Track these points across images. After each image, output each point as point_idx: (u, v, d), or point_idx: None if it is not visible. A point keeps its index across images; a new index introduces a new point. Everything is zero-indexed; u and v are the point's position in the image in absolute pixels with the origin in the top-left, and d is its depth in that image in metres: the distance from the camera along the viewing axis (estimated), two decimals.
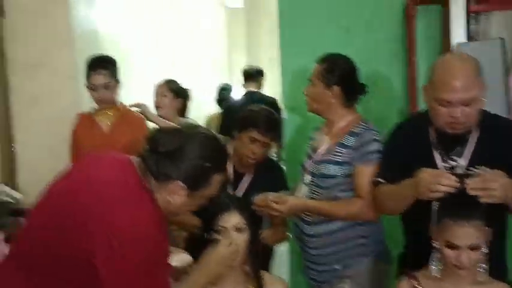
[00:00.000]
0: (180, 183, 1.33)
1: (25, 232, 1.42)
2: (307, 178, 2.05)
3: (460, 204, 1.55)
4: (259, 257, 1.75)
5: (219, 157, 1.42)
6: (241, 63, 8.32)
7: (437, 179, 1.55)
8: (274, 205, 1.94)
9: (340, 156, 1.97)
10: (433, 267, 1.60)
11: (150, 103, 2.94)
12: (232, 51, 8.11)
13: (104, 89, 2.54)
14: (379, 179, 1.85)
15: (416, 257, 1.70)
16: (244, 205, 1.76)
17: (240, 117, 2.18)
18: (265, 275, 1.76)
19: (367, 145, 1.94)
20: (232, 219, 1.66)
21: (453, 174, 1.59)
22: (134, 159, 1.39)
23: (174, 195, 1.34)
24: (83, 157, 1.47)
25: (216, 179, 1.40)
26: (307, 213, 2.01)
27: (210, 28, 7.01)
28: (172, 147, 1.33)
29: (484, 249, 1.54)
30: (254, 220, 1.76)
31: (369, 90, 2.69)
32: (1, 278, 1.37)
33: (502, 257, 1.81)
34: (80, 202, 1.29)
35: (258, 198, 1.98)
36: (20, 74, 2.85)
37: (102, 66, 2.57)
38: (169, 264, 1.42)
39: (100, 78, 2.54)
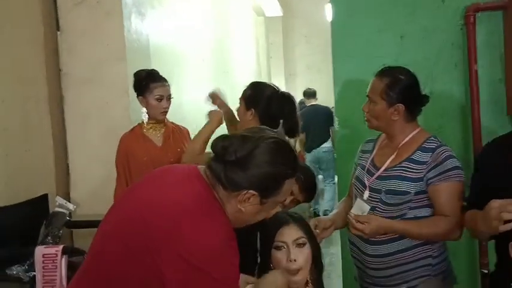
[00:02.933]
0: (252, 192, 1.28)
1: (92, 256, 1.39)
2: (366, 194, 1.95)
3: None
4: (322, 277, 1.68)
5: (290, 161, 1.33)
6: (280, 69, 8.39)
7: (508, 207, 1.43)
8: (359, 225, 1.82)
9: (413, 172, 1.86)
10: None
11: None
12: (271, 59, 8.17)
13: (168, 100, 2.60)
14: (465, 204, 1.79)
15: (505, 277, 1.59)
16: (303, 220, 1.69)
17: None
18: None
19: (445, 162, 1.83)
20: (292, 234, 1.60)
21: None
22: (201, 169, 1.35)
23: (246, 204, 1.29)
24: (148, 173, 1.43)
25: (288, 184, 1.34)
26: None
27: (251, 37, 7.04)
28: (241, 155, 1.27)
29: None
30: (314, 237, 1.70)
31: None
32: None
33: None
34: (150, 225, 1.25)
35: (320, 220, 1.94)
36: (74, 89, 2.90)
37: (164, 78, 2.62)
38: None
39: (167, 90, 2.60)
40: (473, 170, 1.83)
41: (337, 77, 2.73)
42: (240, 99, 2.34)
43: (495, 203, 1.46)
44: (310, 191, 2.15)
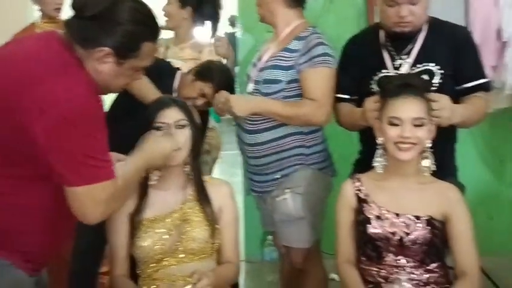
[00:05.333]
0: (107, 49, 1.25)
1: None
2: (250, 87, 1.99)
3: (399, 84, 1.58)
4: (199, 159, 1.71)
5: (150, 23, 1.32)
6: None
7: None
8: (222, 106, 1.90)
9: (285, 60, 1.91)
10: (377, 163, 1.59)
11: None
12: None
13: None
14: (339, 95, 1.89)
15: (369, 162, 1.69)
16: (185, 104, 1.70)
17: (203, 66, 2.13)
18: (207, 178, 1.72)
19: (313, 48, 1.88)
20: (173, 115, 1.61)
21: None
22: (61, 32, 1.31)
23: (102, 63, 1.27)
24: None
25: (147, 47, 1.32)
26: (249, 121, 1.95)
27: None
28: (98, 10, 1.23)
29: (428, 143, 1.55)
30: (195, 121, 1.72)
31: (326, 8, 2.65)
32: None
33: (451, 159, 1.88)
34: (7, 80, 1.22)
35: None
36: None
37: None
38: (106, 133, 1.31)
39: None
40: (340, 57, 1.93)
41: None
42: None
43: (367, 102, 1.67)
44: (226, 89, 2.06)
